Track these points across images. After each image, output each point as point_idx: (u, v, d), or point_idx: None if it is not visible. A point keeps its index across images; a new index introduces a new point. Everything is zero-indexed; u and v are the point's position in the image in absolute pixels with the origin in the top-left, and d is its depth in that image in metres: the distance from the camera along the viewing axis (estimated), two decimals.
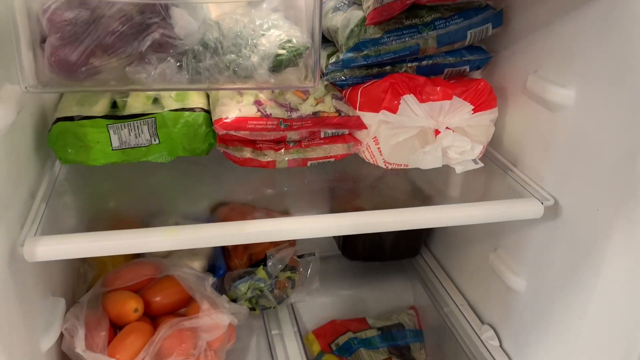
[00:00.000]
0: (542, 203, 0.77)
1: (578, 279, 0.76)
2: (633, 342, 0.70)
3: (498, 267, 0.93)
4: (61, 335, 0.79)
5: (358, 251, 1.18)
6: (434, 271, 1.17)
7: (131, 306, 0.84)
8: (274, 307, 1.03)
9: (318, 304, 1.20)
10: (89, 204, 0.78)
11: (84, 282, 0.95)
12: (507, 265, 0.92)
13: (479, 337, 0.98)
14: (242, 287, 0.97)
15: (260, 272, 0.97)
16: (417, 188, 0.87)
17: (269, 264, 0.98)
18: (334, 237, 1.24)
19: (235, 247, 1.07)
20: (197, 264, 1.00)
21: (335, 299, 1.21)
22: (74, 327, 0.77)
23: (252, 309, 1.01)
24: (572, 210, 0.76)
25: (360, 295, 1.23)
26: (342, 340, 1.12)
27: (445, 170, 0.86)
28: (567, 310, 0.79)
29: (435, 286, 1.14)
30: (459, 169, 0.82)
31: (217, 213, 1.20)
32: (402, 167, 0.85)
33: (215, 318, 0.84)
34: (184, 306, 0.91)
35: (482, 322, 1.01)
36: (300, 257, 1.03)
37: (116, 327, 0.84)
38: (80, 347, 0.76)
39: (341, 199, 0.86)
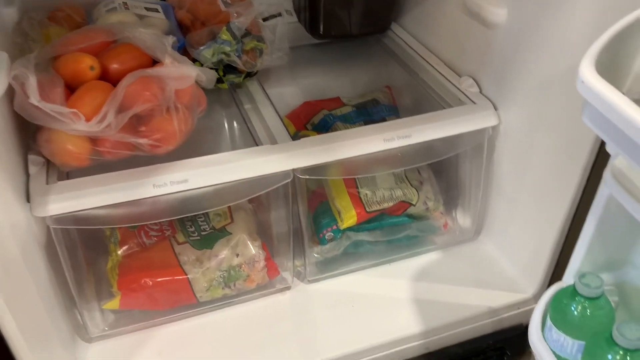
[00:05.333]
0: None
1: None
2: None
3: (477, 4, 0.88)
4: (10, 95, 0.72)
5: (325, 26, 1.10)
6: (407, 42, 1.12)
7: (87, 63, 0.76)
8: (243, 79, 0.97)
9: (289, 92, 1.16)
10: None
11: None
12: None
13: (458, 88, 0.96)
14: (207, 52, 0.89)
15: (224, 34, 0.89)
16: None
17: (232, 24, 0.89)
18: (298, 16, 1.16)
19: (193, 21, 0.98)
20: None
21: (306, 87, 1.17)
22: (24, 75, 0.69)
23: (220, 81, 0.94)
24: None
25: (332, 81, 1.18)
26: (317, 118, 1.08)
27: None
28: (553, 31, 0.75)
29: (410, 55, 1.09)
30: None
31: None
32: None
33: (181, 68, 0.77)
34: None
35: (460, 76, 0.98)
36: (265, 19, 0.95)
37: (72, 90, 0.77)
38: (34, 97, 0.68)
39: None
